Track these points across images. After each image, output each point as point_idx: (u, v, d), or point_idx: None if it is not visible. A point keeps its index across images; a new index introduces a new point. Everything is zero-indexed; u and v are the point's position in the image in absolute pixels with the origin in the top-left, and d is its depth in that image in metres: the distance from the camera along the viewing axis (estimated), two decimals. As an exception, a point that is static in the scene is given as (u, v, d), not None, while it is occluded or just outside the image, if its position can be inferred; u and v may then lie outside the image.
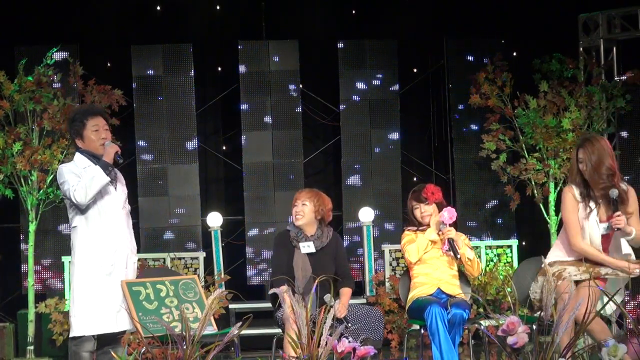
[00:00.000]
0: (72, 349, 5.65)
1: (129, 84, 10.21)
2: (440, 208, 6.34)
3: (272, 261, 6.31)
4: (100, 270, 5.65)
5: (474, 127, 10.48)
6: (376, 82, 10.66)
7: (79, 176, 5.64)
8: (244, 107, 10.49)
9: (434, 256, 6.31)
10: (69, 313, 5.72)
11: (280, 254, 6.21)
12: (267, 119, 10.50)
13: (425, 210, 6.32)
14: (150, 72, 10.38)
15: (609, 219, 5.66)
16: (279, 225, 10.28)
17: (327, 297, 5.71)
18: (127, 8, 10.48)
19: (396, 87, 10.71)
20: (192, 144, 10.42)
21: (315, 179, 10.86)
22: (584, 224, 5.69)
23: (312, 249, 6.18)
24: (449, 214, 6.20)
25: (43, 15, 10.14)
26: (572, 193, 5.72)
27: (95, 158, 5.72)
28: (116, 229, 5.73)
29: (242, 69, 10.50)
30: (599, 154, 5.65)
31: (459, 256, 6.19)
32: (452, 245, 6.18)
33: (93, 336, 5.65)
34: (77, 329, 5.62)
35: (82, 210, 5.65)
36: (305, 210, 6.22)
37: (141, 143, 10.34)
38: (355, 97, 10.64)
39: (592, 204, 5.69)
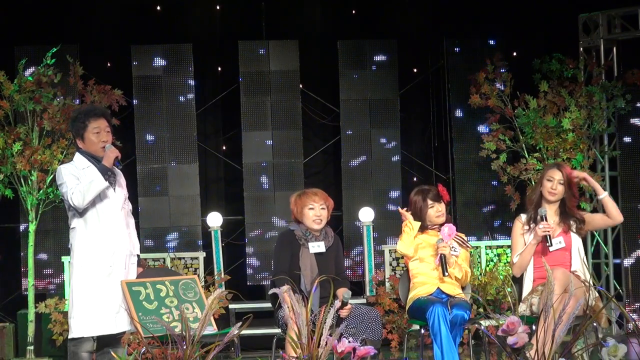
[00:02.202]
0: (71, 349, 5.66)
1: (129, 84, 10.21)
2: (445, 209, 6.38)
3: (274, 260, 6.29)
4: (99, 272, 5.65)
5: (473, 127, 10.47)
6: (376, 82, 10.66)
7: (78, 178, 5.65)
8: (244, 107, 10.49)
9: (433, 255, 6.30)
10: (68, 314, 5.72)
11: (283, 253, 6.20)
12: (267, 119, 10.50)
13: (440, 209, 6.34)
14: (150, 72, 10.38)
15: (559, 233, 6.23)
16: (278, 225, 10.28)
17: (348, 294, 5.73)
18: (127, 8, 10.47)
19: (396, 87, 10.71)
20: (192, 144, 10.41)
21: (315, 179, 10.86)
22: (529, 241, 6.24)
23: (323, 249, 6.19)
24: (449, 230, 6.22)
25: (43, 15, 10.14)
26: (520, 221, 6.28)
27: (95, 159, 5.72)
28: (115, 230, 5.73)
29: (242, 69, 10.50)
30: (570, 177, 6.24)
31: (446, 274, 6.19)
32: (442, 262, 6.19)
33: (92, 337, 5.66)
34: (76, 331, 5.63)
35: (80, 212, 5.66)
36: (324, 214, 6.23)
37: (141, 143, 10.34)
38: (355, 97, 10.64)
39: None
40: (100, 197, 5.67)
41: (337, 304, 5.25)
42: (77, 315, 5.62)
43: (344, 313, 5.86)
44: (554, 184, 6.20)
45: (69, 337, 5.68)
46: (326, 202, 6.25)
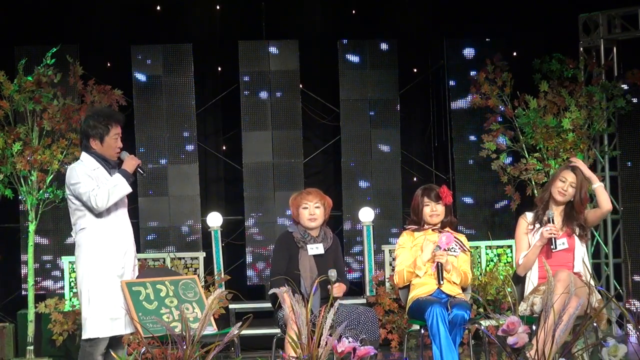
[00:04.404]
0: (87, 350, 5.62)
1: (129, 84, 10.21)
2: (447, 212, 6.34)
3: (272, 262, 6.31)
4: (112, 272, 5.66)
5: (473, 127, 10.47)
6: (376, 82, 10.65)
7: (92, 178, 5.65)
8: (244, 107, 10.49)
9: (431, 260, 6.29)
10: (82, 315, 5.69)
11: (281, 256, 6.22)
12: (267, 119, 10.50)
13: (435, 209, 6.33)
14: (150, 72, 10.38)
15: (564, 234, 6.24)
16: (279, 226, 10.28)
17: (333, 272, 5.73)
18: (127, 8, 10.47)
19: (396, 87, 10.71)
20: (192, 144, 10.41)
21: (315, 179, 10.86)
22: (535, 242, 6.23)
23: (321, 251, 6.20)
24: (447, 239, 6.21)
25: (43, 15, 10.14)
26: (525, 220, 6.30)
27: (104, 162, 5.73)
28: (125, 231, 5.77)
29: (242, 69, 10.50)
30: (584, 182, 6.21)
31: (442, 282, 6.19)
32: (438, 270, 6.19)
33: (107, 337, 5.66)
34: (92, 331, 5.61)
35: (96, 213, 5.65)
36: (318, 213, 6.24)
37: (141, 143, 10.33)
38: (355, 97, 10.64)
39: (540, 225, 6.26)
40: None
41: (329, 288, 5.32)
42: (92, 315, 5.61)
43: (335, 291, 5.87)
44: (565, 185, 6.20)
45: (84, 337, 5.63)
46: (321, 200, 6.26)
